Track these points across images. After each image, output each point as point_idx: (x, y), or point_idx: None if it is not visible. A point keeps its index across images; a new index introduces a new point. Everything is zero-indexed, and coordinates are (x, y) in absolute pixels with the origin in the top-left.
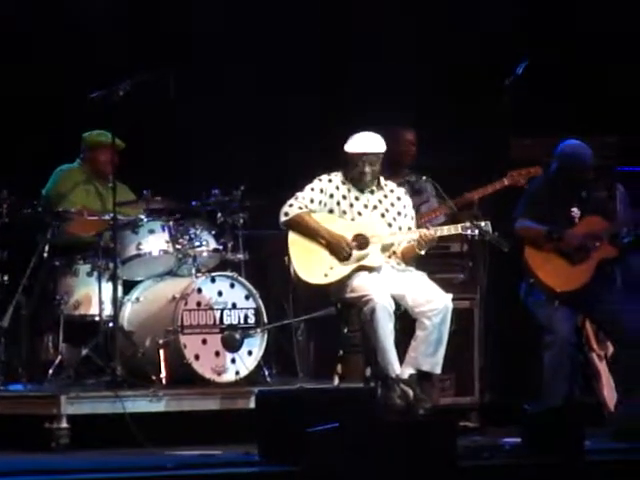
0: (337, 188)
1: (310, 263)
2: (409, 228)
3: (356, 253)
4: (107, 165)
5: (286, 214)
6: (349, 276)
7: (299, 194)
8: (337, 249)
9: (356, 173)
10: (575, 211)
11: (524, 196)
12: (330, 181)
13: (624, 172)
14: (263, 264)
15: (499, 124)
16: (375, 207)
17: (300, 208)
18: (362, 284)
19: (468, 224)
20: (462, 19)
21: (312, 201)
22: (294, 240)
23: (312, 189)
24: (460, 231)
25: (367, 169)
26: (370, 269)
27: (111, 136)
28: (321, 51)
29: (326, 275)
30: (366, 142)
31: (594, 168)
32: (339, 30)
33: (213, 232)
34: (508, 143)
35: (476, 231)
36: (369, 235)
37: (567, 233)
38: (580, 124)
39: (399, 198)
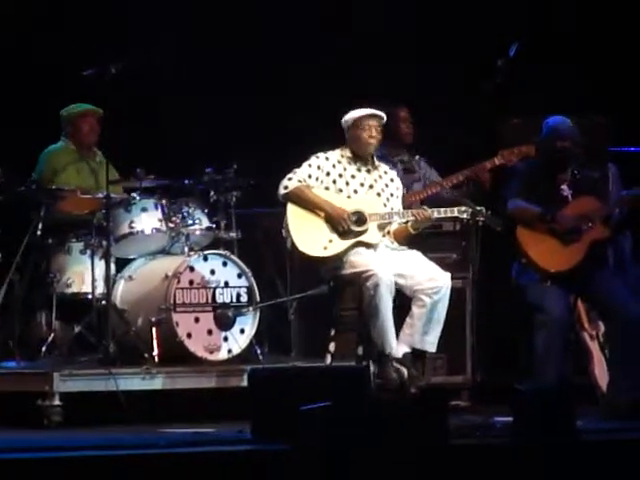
0: (334, 166)
1: (309, 236)
2: (398, 210)
3: (355, 228)
4: (91, 134)
5: (286, 187)
6: (346, 252)
7: (297, 170)
8: (337, 221)
9: (361, 142)
10: (565, 189)
11: (515, 176)
12: (327, 159)
13: (617, 152)
14: (256, 243)
15: (490, 104)
16: (371, 186)
17: (300, 181)
18: (363, 260)
19: (464, 208)
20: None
21: (310, 176)
22: (293, 213)
23: (309, 165)
24: (456, 214)
25: (373, 133)
26: (368, 246)
27: (88, 106)
28: (313, 29)
29: (325, 248)
30: (366, 109)
31: (586, 147)
32: (334, 14)
33: (206, 210)
34: (498, 123)
35: (471, 214)
36: (367, 213)
37: (560, 215)
38: (572, 104)
39: (392, 180)
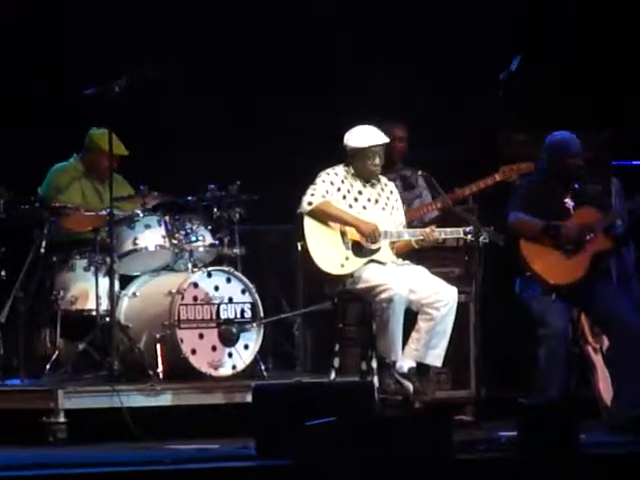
0: (342, 182)
1: (327, 253)
2: (400, 222)
3: (371, 246)
4: (106, 171)
5: (310, 203)
6: (359, 269)
7: (315, 186)
8: (368, 232)
9: (365, 166)
10: (569, 202)
11: (517, 191)
12: (336, 174)
13: (620, 166)
14: (259, 259)
15: (493, 119)
16: (376, 201)
17: (323, 196)
18: (376, 275)
19: (468, 229)
20: (456, 15)
21: (327, 192)
22: (311, 229)
23: (323, 181)
24: (461, 235)
25: (377, 161)
26: (379, 263)
27: (115, 142)
28: (310, 52)
29: (342, 266)
30: (373, 134)
31: (588, 161)
32: (325, 31)
33: (209, 227)
34: (502, 138)
35: (474, 235)
36: (381, 230)
37: (563, 227)
38: (575, 119)
39: (392, 192)
